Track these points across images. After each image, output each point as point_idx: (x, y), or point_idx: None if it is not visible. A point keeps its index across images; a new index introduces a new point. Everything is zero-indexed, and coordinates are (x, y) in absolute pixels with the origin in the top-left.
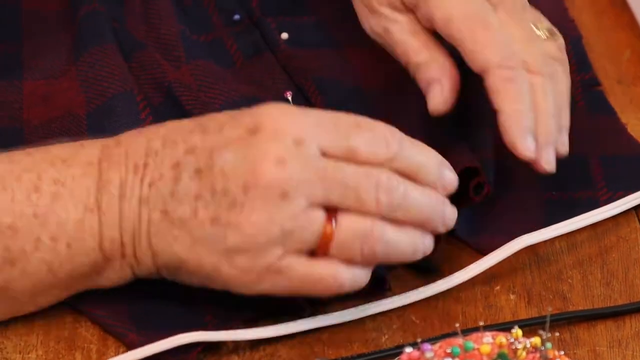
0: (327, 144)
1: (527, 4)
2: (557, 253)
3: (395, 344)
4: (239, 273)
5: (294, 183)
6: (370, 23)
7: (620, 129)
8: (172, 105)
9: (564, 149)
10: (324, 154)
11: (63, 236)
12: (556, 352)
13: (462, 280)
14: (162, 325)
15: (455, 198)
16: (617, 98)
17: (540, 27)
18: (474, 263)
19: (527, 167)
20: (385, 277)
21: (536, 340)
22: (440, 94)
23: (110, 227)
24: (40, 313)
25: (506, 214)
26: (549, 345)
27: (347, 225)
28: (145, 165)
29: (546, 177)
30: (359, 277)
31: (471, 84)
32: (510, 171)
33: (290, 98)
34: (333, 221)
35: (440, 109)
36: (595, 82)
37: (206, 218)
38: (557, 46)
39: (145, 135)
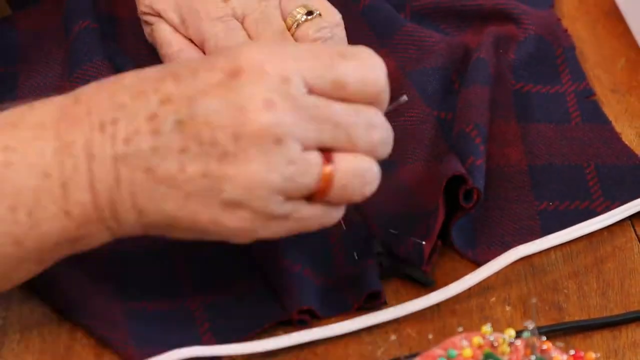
0: (312, 77)
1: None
2: (552, 263)
3: (391, 357)
4: (241, 224)
5: (286, 127)
6: (145, 29)
7: (615, 138)
8: None
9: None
10: (310, 90)
11: (21, 205)
12: (539, 339)
13: (458, 292)
14: (160, 340)
15: (447, 209)
16: (611, 107)
17: (298, 11)
18: (469, 274)
19: (523, 178)
20: (381, 291)
21: (509, 331)
22: None
23: (78, 190)
24: (36, 329)
25: (501, 225)
26: (526, 334)
27: (346, 165)
28: (114, 121)
29: (542, 187)
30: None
31: (463, 93)
32: (505, 182)
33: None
34: (331, 163)
35: None
36: (589, 92)
37: (196, 172)
38: (315, 26)
39: (107, 88)
